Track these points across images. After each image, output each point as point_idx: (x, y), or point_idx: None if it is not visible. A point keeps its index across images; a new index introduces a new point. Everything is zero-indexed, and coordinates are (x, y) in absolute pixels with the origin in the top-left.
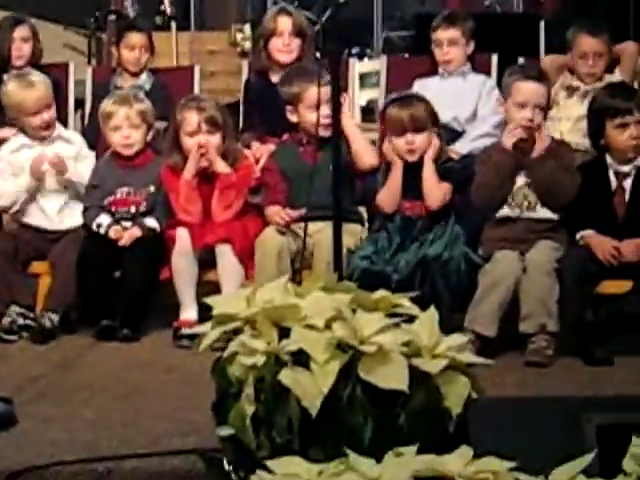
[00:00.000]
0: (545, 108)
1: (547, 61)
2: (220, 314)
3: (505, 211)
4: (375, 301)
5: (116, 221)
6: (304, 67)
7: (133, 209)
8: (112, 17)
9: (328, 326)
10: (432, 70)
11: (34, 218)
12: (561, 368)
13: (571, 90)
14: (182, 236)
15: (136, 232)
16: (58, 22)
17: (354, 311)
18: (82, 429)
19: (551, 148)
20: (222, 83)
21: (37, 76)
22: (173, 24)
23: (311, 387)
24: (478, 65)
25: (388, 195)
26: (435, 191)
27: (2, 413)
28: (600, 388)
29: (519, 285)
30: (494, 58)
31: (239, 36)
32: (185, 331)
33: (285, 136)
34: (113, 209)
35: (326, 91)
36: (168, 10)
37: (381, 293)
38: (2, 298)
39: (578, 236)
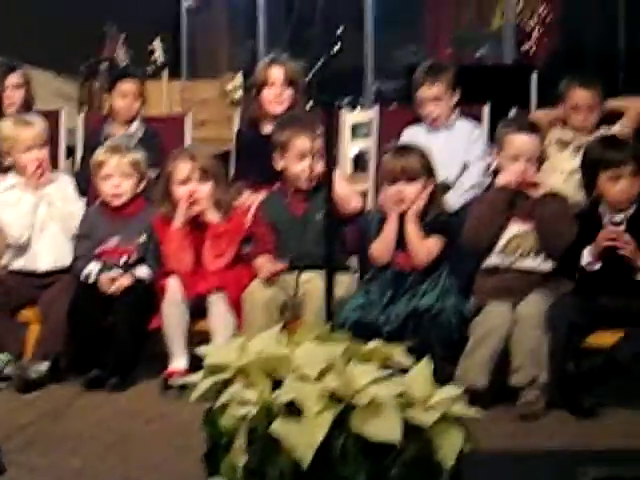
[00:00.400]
0: (538, 160)
1: (539, 115)
2: (212, 364)
3: (497, 259)
4: (368, 352)
5: (106, 269)
6: (297, 116)
7: (124, 259)
8: (104, 65)
9: (321, 377)
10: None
11: (25, 262)
12: (552, 419)
13: (563, 144)
14: (173, 285)
15: (125, 281)
16: (49, 69)
17: (347, 362)
18: (69, 478)
19: (551, 193)
20: (213, 132)
21: (34, 117)
22: (165, 72)
23: (303, 438)
24: (469, 116)
25: (382, 246)
26: (420, 248)
27: None
28: (592, 440)
29: (510, 337)
30: (485, 109)
31: (230, 85)
32: (175, 381)
33: (276, 185)
34: (103, 259)
35: (313, 142)
36: (160, 58)
37: (374, 344)
38: None
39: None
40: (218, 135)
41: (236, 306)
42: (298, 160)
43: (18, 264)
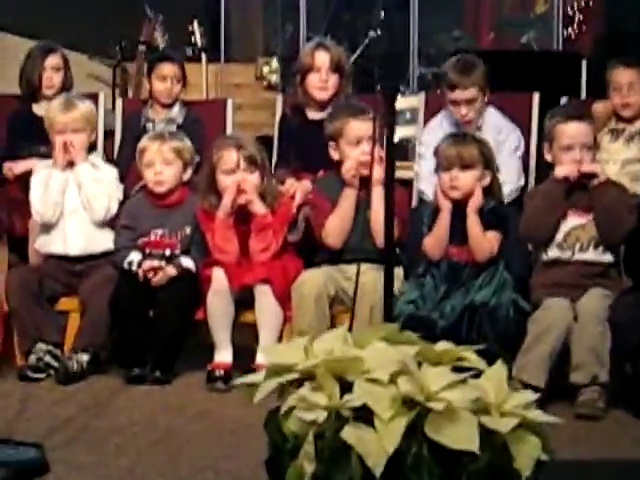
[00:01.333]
0: (592, 147)
1: (599, 107)
2: (276, 364)
3: (556, 253)
4: (439, 354)
5: (148, 258)
6: (350, 103)
7: (168, 252)
8: (142, 47)
9: (393, 380)
10: None
11: (56, 246)
12: (614, 421)
13: (615, 133)
14: (218, 276)
15: (171, 271)
16: (82, 51)
17: (419, 364)
18: (118, 477)
19: (611, 180)
20: (248, 117)
21: (82, 101)
22: (204, 56)
23: (375, 446)
24: (518, 105)
25: (435, 241)
26: (482, 244)
27: (34, 460)
28: None
29: (569, 334)
30: (535, 98)
31: (265, 69)
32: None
33: (321, 173)
34: (147, 251)
35: (367, 127)
36: (199, 41)
37: (445, 345)
38: (29, 335)
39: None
40: (254, 119)
41: (282, 298)
42: (353, 146)
43: (49, 247)
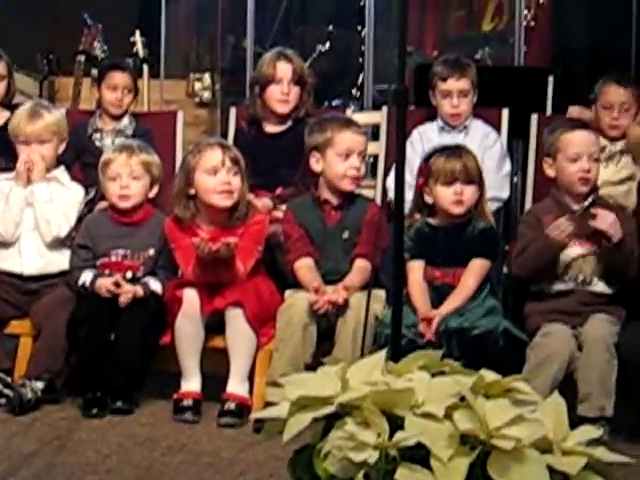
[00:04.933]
0: (599, 160)
1: (574, 112)
2: (305, 397)
3: (557, 286)
4: (488, 384)
5: (102, 276)
6: (337, 116)
7: (129, 274)
8: (80, 57)
9: (448, 415)
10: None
11: (11, 263)
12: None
13: None
14: (190, 297)
15: (139, 291)
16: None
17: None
18: None
19: (618, 219)
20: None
21: (50, 109)
22: (145, 67)
23: None
24: (487, 121)
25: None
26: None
27: None
28: None
29: (571, 362)
30: (505, 113)
31: (197, 85)
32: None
33: (278, 190)
34: (106, 272)
35: (360, 141)
36: (140, 52)
37: (492, 376)
38: None
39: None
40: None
41: (255, 322)
42: (342, 158)
43: (4, 265)
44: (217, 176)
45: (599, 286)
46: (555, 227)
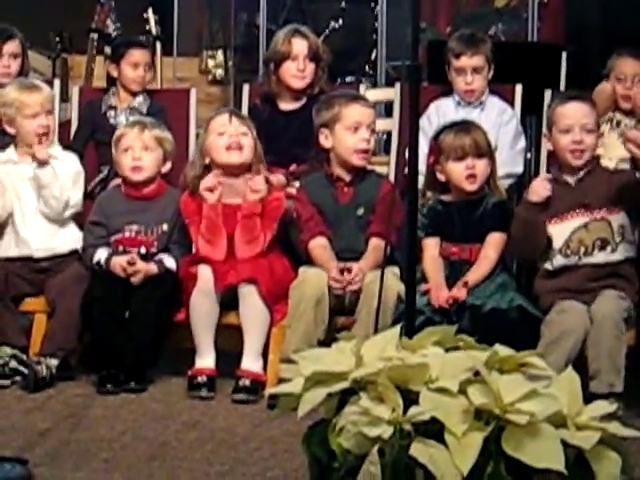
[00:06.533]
0: (595, 131)
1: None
2: (320, 372)
3: (561, 261)
4: (501, 359)
5: (117, 254)
6: (347, 90)
7: (143, 250)
8: (93, 35)
9: (462, 390)
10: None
11: (19, 249)
12: None
13: (613, 123)
14: (205, 274)
15: (152, 268)
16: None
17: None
18: None
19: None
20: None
21: (39, 82)
22: (158, 45)
23: (449, 464)
24: (500, 97)
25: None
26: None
27: (20, 477)
28: None
29: (585, 341)
30: (518, 89)
31: (211, 63)
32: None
33: (292, 167)
34: (119, 249)
35: (369, 113)
36: (153, 30)
37: (506, 351)
38: None
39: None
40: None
41: (269, 299)
42: (351, 131)
43: (12, 252)
44: (225, 135)
45: (602, 256)
46: (532, 190)
